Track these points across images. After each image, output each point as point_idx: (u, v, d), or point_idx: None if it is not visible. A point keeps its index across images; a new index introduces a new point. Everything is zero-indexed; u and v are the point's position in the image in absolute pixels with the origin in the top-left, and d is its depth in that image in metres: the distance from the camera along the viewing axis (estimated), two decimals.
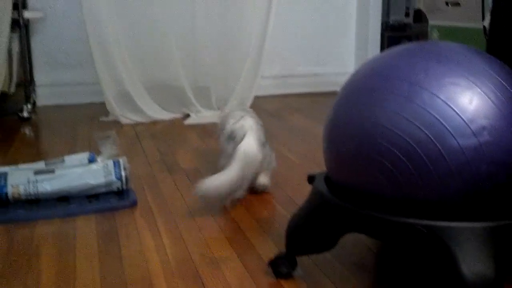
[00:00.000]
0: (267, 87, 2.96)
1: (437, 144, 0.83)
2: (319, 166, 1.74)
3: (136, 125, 2.38)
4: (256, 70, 2.64)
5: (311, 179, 1.07)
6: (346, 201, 0.93)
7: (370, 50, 3.01)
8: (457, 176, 0.83)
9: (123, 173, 1.49)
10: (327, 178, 1.03)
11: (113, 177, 1.48)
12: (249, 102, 2.61)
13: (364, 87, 0.92)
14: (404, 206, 0.87)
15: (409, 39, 3.26)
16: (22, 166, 1.55)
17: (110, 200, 1.45)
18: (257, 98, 2.90)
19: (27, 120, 2.42)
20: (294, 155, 1.87)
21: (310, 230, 1.00)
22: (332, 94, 3.06)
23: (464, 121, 0.83)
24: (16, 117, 2.42)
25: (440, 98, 0.84)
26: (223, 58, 2.62)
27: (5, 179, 1.43)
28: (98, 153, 1.58)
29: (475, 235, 0.81)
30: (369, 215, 0.89)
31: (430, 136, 0.83)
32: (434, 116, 0.84)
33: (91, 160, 1.57)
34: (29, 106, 2.43)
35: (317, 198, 0.99)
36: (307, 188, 1.05)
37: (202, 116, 2.47)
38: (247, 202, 1.43)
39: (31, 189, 1.42)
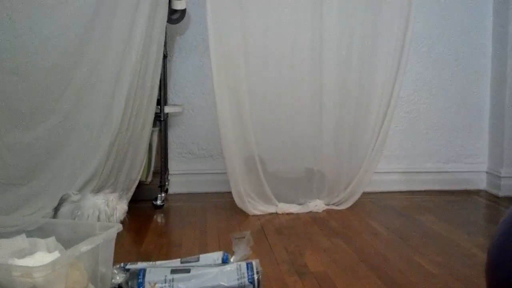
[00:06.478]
0: (394, 183, 2.88)
1: None
2: (459, 280, 1.62)
3: (261, 216, 2.41)
4: (372, 167, 2.59)
5: None
6: None
7: (506, 147, 2.84)
8: None
9: (255, 277, 1.48)
10: None
11: (246, 280, 1.47)
12: (357, 197, 2.57)
13: None
14: None
15: None
16: (159, 263, 1.60)
17: None
18: (382, 193, 2.84)
19: (160, 207, 2.53)
20: (430, 264, 1.76)
21: None
22: (463, 193, 2.90)
23: None
24: (149, 204, 2.55)
25: None
26: (344, 153, 2.59)
27: (143, 276, 1.47)
28: (232, 252, 1.59)
29: None
30: None
31: None
32: None
33: (225, 260, 1.58)
34: (163, 194, 2.54)
35: None
36: None
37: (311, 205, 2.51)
38: None
39: None
